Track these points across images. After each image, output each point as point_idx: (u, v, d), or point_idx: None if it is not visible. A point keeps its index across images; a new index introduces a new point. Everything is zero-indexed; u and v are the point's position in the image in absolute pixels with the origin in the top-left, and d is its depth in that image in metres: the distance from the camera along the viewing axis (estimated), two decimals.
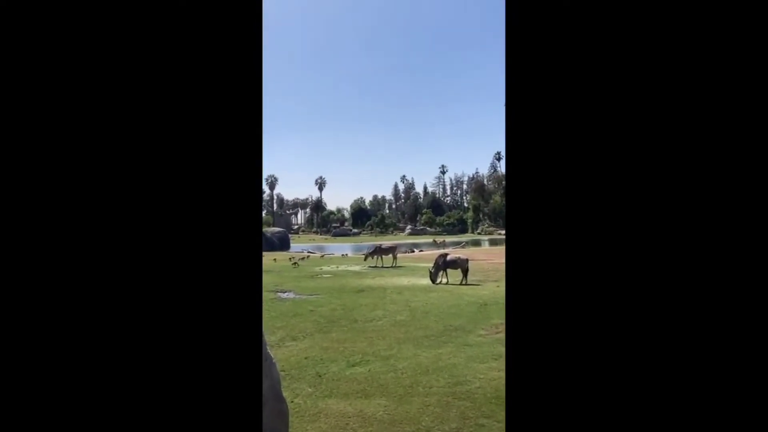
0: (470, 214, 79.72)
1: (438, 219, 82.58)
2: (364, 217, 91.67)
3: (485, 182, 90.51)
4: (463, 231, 75.81)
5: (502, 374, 5.07)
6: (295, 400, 4.44)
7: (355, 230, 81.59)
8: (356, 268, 19.06)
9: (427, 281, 13.61)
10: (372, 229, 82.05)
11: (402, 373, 5.22)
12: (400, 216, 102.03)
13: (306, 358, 5.95)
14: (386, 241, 33.97)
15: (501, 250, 34.00)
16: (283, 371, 5.10)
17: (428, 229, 77.69)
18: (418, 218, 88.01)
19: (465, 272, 13.52)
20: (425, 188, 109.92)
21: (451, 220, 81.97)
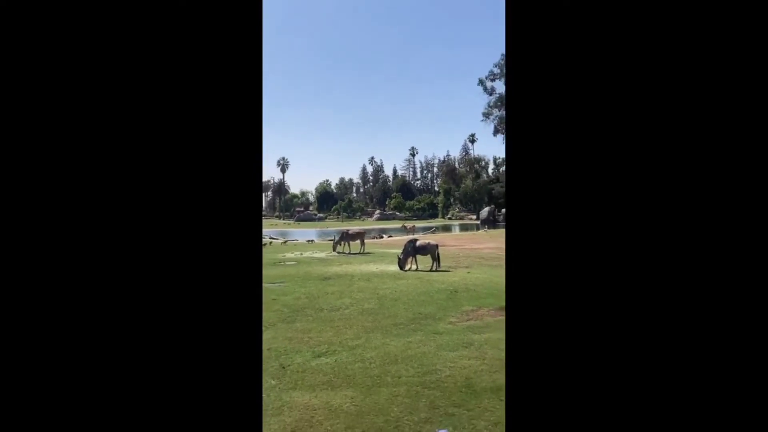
0: (441, 198, 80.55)
1: (408, 203, 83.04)
2: (331, 201, 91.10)
3: (456, 165, 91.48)
4: (434, 216, 76.62)
5: (473, 362, 5.21)
6: None
7: (321, 215, 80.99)
8: (322, 254, 18.98)
9: (396, 268, 13.71)
10: (338, 213, 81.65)
11: (370, 363, 5.27)
12: (368, 200, 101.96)
13: (269, 349, 5.91)
14: (354, 227, 33.93)
15: (472, 235, 34.60)
16: None
17: (398, 213, 78.08)
18: (387, 202, 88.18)
19: (435, 258, 13.71)
20: (395, 171, 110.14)
21: (422, 204, 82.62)
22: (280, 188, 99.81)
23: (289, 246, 24.33)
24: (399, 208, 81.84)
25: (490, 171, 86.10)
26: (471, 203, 76.36)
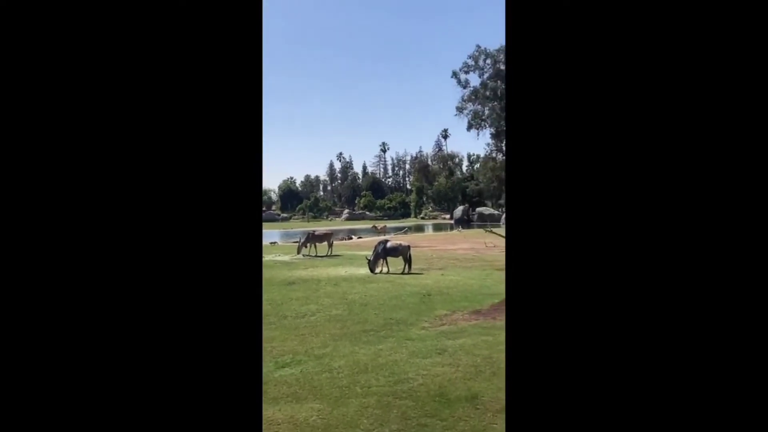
0: (413, 196, 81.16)
1: (378, 202, 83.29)
2: (295, 199, 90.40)
3: (429, 162, 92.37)
4: (406, 215, 77.14)
5: (446, 369, 5.26)
6: None
7: (284, 215, 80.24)
8: (286, 257, 18.81)
9: (365, 271, 13.73)
10: (304, 213, 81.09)
11: (338, 373, 5.25)
12: (336, 199, 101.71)
13: None
14: (320, 227, 33.76)
15: (445, 235, 35.02)
16: None
17: (368, 213, 78.21)
18: (356, 201, 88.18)
19: (407, 260, 13.79)
20: (364, 168, 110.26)
21: (393, 203, 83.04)
22: None
23: None
24: (369, 207, 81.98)
25: (464, 168, 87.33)
26: (444, 202, 77.29)
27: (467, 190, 71.35)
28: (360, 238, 33.95)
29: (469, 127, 10.99)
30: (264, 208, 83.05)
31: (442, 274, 12.94)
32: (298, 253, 19.60)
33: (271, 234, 40.75)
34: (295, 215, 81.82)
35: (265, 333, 7.13)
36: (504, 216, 50.80)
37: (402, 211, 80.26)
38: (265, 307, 9.01)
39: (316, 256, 19.11)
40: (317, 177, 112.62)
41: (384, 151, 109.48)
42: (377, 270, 13.76)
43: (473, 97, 10.71)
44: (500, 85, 10.29)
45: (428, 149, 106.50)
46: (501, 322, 7.36)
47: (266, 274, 13.77)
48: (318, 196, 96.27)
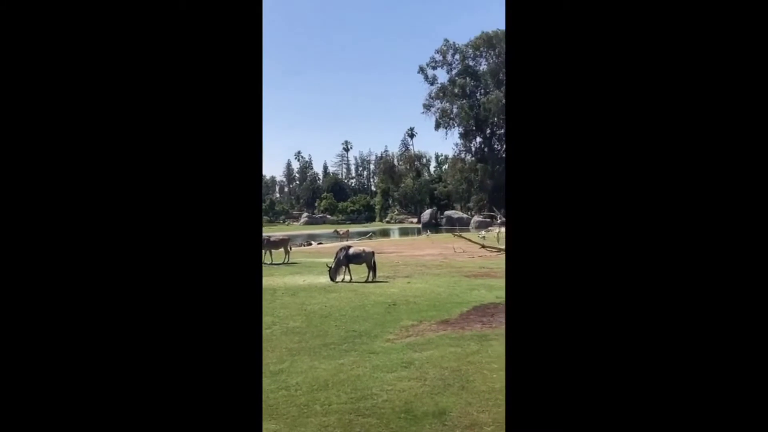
0: (378, 199, 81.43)
1: (341, 205, 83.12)
2: None
3: (395, 163, 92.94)
4: (370, 219, 77.30)
5: (412, 384, 5.29)
6: None
7: None
8: None
9: (326, 279, 13.65)
10: None
11: (296, 390, 5.20)
12: (294, 201, 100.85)
13: None
14: (277, 232, 33.36)
15: (412, 240, 35.23)
16: None
17: (329, 217, 77.91)
18: (316, 204, 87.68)
19: (371, 268, 13.79)
20: (325, 168, 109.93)
21: (357, 206, 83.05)
22: None
23: None
24: (330, 210, 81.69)
25: (431, 169, 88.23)
26: (411, 205, 77.92)
27: (435, 192, 72.14)
28: (320, 243, 33.74)
29: (437, 126, 11.14)
30: None
31: (409, 282, 13.01)
32: None
33: None
34: None
35: None
36: (473, 219, 51.68)
37: (366, 214, 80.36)
38: None
39: (271, 263, 18.86)
40: (273, 177, 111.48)
41: (347, 150, 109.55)
42: (339, 278, 13.69)
43: (441, 95, 10.86)
44: (469, 82, 10.50)
45: (394, 149, 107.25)
46: (470, 332, 7.46)
47: None
48: (274, 198, 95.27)
